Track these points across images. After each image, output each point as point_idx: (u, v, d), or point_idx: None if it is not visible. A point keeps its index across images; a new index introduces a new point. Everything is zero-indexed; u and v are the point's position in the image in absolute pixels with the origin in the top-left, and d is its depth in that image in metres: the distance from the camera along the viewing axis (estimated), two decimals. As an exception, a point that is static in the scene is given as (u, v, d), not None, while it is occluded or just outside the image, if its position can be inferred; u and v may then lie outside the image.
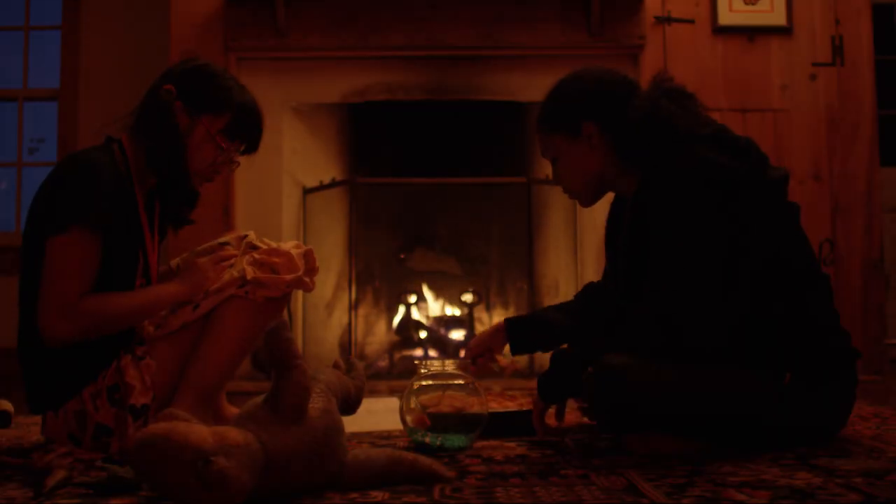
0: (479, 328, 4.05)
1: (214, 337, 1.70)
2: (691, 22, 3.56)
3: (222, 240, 1.85)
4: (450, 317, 4.06)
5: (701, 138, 1.67)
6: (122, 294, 1.67)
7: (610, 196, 1.95)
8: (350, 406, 1.63)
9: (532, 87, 3.70)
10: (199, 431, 1.13)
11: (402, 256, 4.07)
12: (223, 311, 1.71)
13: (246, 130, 1.81)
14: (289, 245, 1.79)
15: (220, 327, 1.71)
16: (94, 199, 1.61)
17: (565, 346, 1.88)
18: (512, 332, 1.95)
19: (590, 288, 2.05)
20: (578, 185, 1.84)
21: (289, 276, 1.73)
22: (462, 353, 2.03)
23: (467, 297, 4.02)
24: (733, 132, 1.73)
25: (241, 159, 1.87)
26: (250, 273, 1.71)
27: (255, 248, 1.78)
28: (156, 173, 1.74)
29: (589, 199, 1.86)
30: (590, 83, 1.81)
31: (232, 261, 1.77)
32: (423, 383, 1.77)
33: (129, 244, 1.71)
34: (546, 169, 3.91)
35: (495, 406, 1.93)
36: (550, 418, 1.82)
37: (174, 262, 1.87)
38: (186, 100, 1.74)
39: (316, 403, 1.32)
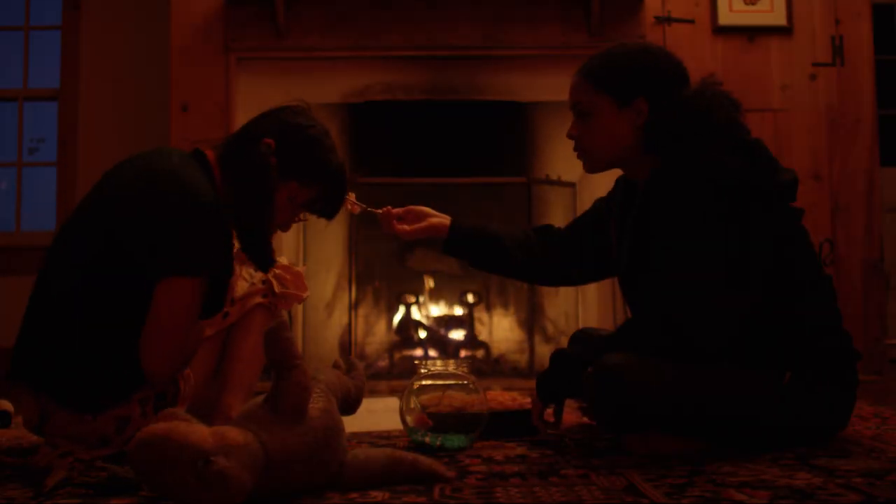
0: (479, 328, 4.06)
1: (248, 342, 1.80)
2: (691, 22, 3.57)
3: None
4: (450, 317, 4.06)
5: (719, 139, 1.67)
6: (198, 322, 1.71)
7: (606, 184, 1.94)
8: (350, 406, 1.63)
9: (532, 87, 3.70)
10: (199, 431, 1.13)
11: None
12: (251, 317, 1.82)
13: (329, 205, 1.78)
14: (284, 261, 1.92)
15: (252, 332, 1.82)
16: (222, 248, 1.62)
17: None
18: (454, 234, 1.95)
19: (546, 228, 2.06)
20: (600, 149, 1.79)
21: (304, 294, 1.91)
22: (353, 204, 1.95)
23: (471, 298, 4.02)
24: (749, 134, 1.73)
25: None
26: (277, 287, 1.85)
27: None
28: (238, 222, 1.69)
29: (599, 167, 1.83)
30: (657, 61, 1.77)
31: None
32: (423, 383, 1.77)
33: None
34: (546, 169, 3.92)
35: (495, 406, 1.93)
36: (550, 416, 1.82)
37: None
38: (280, 159, 1.68)
39: (316, 403, 1.32)
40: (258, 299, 1.84)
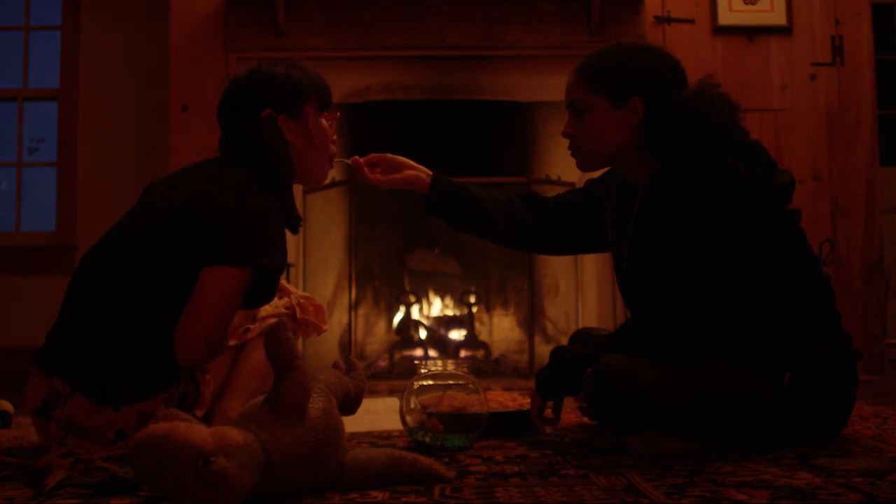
0: (479, 328, 4.06)
1: (259, 353, 1.80)
2: (691, 22, 3.57)
3: None
4: (450, 317, 4.06)
5: (719, 141, 1.67)
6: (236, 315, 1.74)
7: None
8: (350, 406, 1.63)
9: (533, 86, 3.70)
10: (199, 431, 1.13)
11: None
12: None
13: (327, 94, 1.85)
14: (307, 294, 1.99)
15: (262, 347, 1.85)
16: (279, 244, 1.67)
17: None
18: (435, 189, 1.91)
19: (532, 195, 2.03)
20: (594, 148, 1.79)
21: (324, 327, 1.96)
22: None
23: (471, 299, 4.02)
24: (748, 135, 1.73)
25: None
26: (299, 313, 1.92)
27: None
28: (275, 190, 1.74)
29: (593, 165, 1.83)
30: (654, 61, 1.77)
31: None
32: (423, 383, 1.77)
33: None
34: (546, 169, 3.92)
35: (495, 406, 1.93)
36: (549, 413, 1.82)
37: None
38: (283, 110, 1.77)
39: (316, 403, 1.32)
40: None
